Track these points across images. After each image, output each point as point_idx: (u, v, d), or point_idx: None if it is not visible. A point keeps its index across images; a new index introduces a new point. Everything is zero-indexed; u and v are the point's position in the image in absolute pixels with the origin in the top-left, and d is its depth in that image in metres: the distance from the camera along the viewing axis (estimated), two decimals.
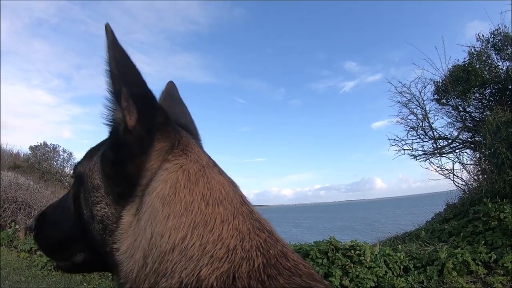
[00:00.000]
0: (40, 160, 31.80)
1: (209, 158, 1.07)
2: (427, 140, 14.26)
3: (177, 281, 0.80)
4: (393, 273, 6.88)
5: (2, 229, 14.59)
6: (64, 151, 32.34)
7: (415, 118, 14.27)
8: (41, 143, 33.45)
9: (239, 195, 0.99)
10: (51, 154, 33.68)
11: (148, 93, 0.96)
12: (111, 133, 1.01)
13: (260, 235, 0.90)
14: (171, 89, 1.39)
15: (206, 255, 0.82)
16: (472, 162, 12.93)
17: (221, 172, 1.04)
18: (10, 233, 12.55)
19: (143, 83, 0.95)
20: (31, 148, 32.82)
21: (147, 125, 0.95)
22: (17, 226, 12.99)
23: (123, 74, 0.92)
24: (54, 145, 34.19)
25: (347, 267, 6.66)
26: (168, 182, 0.93)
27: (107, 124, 1.01)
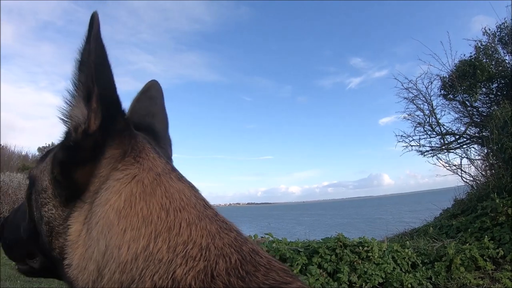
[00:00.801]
0: None
1: (166, 163, 1.02)
2: (434, 136, 14.25)
3: (150, 285, 0.78)
4: (401, 269, 6.90)
5: None
6: None
7: (422, 114, 14.25)
8: (49, 144, 33.79)
9: (201, 200, 0.96)
10: None
11: (117, 99, 0.92)
12: (66, 132, 0.94)
13: (229, 234, 0.89)
14: (150, 88, 1.33)
15: (178, 256, 0.81)
16: (479, 157, 12.92)
17: (179, 178, 0.99)
18: None
19: (114, 87, 0.91)
20: (39, 149, 33.14)
21: (107, 131, 0.90)
22: None
23: (99, 72, 0.86)
24: None
25: (355, 263, 6.68)
26: (122, 194, 0.89)
27: (63, 120, 0.93)
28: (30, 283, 7.41)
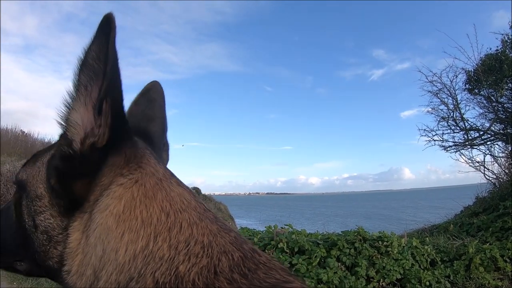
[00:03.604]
0: None
1: (165, 169, 1.01)
2: (458, 131, 14.01)
3: (151, 281, 0.78)
4: (419, 266, 6.92)
5: None
6: None
7: (446, 108, 14.01)
8: None
9: (200, 203, 0.96)
10: None
11: (123, 108, 0.90)
12: (65, 142, 0.89)
13: (230, 234, 0.90)
14: (149, 90, 1.30)
15: (180, 253, 0.81)
16: (503, 155, 12.67)
17: (179, 183, 0.99)
18: None
19: (122, 96, 0.88)
20: None
21: (111, 142, 0.88)
22: None
23: (113, 82, 0.83)
24: None
25: (374, 258, 6.72)
26: (122, 199, 0.88)
27: (62, 125, 0.89)
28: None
